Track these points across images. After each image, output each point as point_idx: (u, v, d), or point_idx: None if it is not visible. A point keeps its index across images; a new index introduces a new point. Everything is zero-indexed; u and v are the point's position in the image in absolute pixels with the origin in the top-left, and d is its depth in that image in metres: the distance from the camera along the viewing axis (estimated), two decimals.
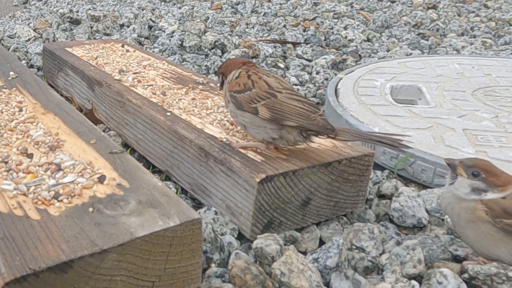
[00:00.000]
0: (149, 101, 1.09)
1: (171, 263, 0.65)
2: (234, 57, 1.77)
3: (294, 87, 1.54)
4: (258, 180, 0.78)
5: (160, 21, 2.39)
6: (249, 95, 0.83)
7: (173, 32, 2.12)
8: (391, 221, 0.91)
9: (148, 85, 1.20)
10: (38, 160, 0.78)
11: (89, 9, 2.86)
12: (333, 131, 0.80)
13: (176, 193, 0.96)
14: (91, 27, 2.29)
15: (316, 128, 0.80)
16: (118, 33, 2.26)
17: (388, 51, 1.96)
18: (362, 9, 2.80)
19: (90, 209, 0.66)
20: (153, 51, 1.93)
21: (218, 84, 0.97)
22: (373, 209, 0.95)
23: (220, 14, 2.64)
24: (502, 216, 0.71)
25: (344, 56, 1.78)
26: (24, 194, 0.69)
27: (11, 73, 1.22)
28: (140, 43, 2.08)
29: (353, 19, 2.54)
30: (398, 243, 0.83)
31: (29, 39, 2.10)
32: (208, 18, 2.54)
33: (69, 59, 1.43)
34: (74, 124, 0.93)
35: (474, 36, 2.22)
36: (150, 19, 2.34)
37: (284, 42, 2.02)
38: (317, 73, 1.63)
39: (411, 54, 1.86)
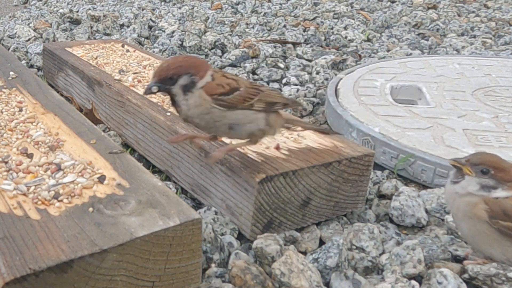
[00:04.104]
0: (149, 101, 1.09)
1: (171, 263, 0.65)
2: (234, 57, 1.76)
3: (294, 87, 1.54)
4: (258, 180, 0.78)
5: (160, 21, 2.39)
6: (240, 94, 0.80)
7: (173, 32, 2.12)
8: (391, 221, 0.91)
9: None
10: (38, 160, 0.78)
11: (89, 9, 2.86)
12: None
13: (176, 193, 0.96)
14: (91, 27, 2.29)
15: (295, 104, 0.91)
16: (118, 33, 2.26)
17: (388, 51, 1.96)
18: (362, 9, 2.80)
19: (90, 209, 0.66)
20: (153, 51, 1.93)
21: (173, 90, 0.77)
22: (373, 209, 0.95)
23: (220, 14, 2.64)
24: (499, 217, 0.71)
25: (344, 56, 1.78)
26: (24, 194, 0.69)
27: (11, 73, 1.22)
28: (140, 43, 2.08)
29: (353, 19, 2.54)
30: (398, 243, 0.83)
31: (29, 39, 2.10)
32: (208, 18, 2.54)
33: (69, 59, 1.43)
34: (74, 124, 0.93)
35: (474, 36, 2.21)
36: (150, 19, 2.34)
37: (284, 42, 2.02)
38: (317, 73, 1.63)
39: (411, 54, 1.86)
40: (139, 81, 1.22)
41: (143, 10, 2.85)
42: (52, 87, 1.41)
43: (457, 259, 0.80)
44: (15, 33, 2.15)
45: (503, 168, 0.73)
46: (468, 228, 0.74)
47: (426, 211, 0.92)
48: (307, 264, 0.72)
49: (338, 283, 0.72)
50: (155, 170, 1.06)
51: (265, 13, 2.69)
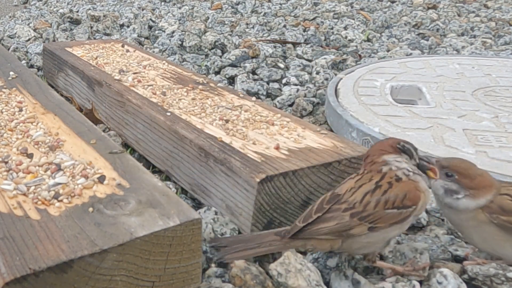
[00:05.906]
0: (149, 101, 1.09)
1: (171, 263, 0.65)
2: (234, 57, 1.76)
3: (294, 87, 1.54)
4: (258, 180, 0.78)
5: (160, 21, 2.39)
6: None
7: (173, 32, 2.12)
8: None
9: (148, 85, 1.20)
10: (38, 160, 0.78)
11: (89, 9, 2.86)
12: None
13: (176, 193, 0.96)
14: (91, 27, 2.29)
15: None
16: (118, 33, 2.26)
17: (388, 51, 1.96)
18: (362, 9, 2.80)
19: (90, 209, 0.66)
20: (153, 51, 1.93)
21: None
22: None
23: (220, 14, 2.64)
24: (498, 212, 0.71)
25: (344, 56, 1.78)
26: (24, 194, 0.69)
27: (11, 73, 1.22)
28: (140, 43, 2.08)
29: (353, 19, 2.54)
30: (398, 243, 0.83)
31: (29, 39, 2.10)
32: (208, 18, 2.54)
33: (69, 59, 1.43)
34: (74, 124, 0.93)
35: (474, 36, 2.21)
36: (150, 19, 2.34)
37: (284, 42, 2.02)
38: (317, 73, 1.63)
39: (411, 54, 1.86)
40: (139, 81, 1.22)
41: (143, 10, 2.85)
42: (52, 87, 1.41)
43: (457, 259, 0.80)
44: (15, 33, 2.15)
45: (469, 175, 0.73)
46: (478, 235, 0.73)
47: (426, 211, 0.91)
48: (306, 264, 0.72)
49: (338, 283, 0.72)
50: (155, 170, 1.06)
51: (265, 13, 2.69)
